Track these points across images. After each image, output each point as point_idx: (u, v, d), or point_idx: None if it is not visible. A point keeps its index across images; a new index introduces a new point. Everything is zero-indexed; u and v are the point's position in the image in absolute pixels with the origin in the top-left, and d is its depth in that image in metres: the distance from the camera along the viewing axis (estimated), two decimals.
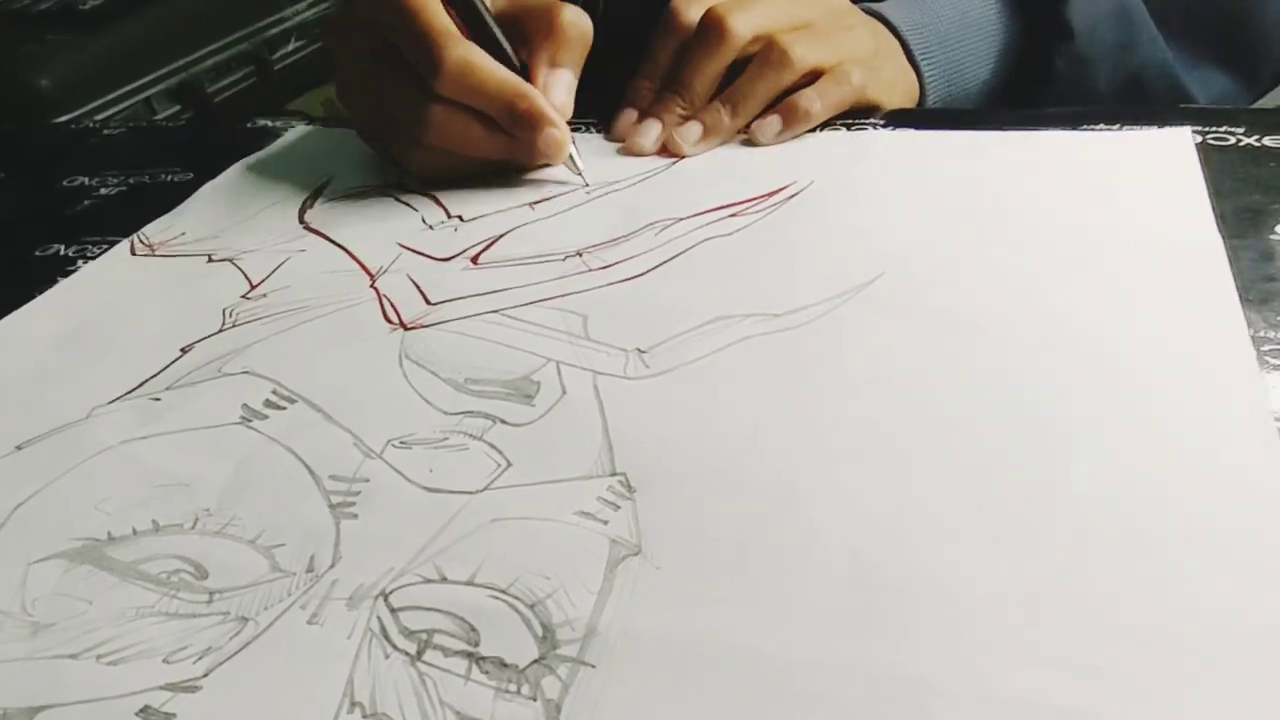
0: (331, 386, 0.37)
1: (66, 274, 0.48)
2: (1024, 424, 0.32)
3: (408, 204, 0.50)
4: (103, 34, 1.38)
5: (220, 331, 0.40)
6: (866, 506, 0.30)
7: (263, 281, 0.45)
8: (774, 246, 0.43)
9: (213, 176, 0.56)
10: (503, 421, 0.34)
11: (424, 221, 0.48)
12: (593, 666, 0.26)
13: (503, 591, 0.28)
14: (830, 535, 0.29)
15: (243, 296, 0.43)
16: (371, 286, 0.43)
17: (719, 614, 0.27)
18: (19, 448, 0.36)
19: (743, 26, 0.50)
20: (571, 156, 0.49)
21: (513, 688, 0.25)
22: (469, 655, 0.26)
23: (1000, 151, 0.48)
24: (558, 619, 0.27)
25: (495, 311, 0.40)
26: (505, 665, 0.26)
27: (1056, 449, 0.31)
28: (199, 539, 0.31)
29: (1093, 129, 0.48)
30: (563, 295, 0.41)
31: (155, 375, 0.39)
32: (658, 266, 0.43)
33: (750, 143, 0.51)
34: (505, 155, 0.49)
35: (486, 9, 0.50)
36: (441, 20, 0.47)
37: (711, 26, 0.50)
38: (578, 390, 0.35)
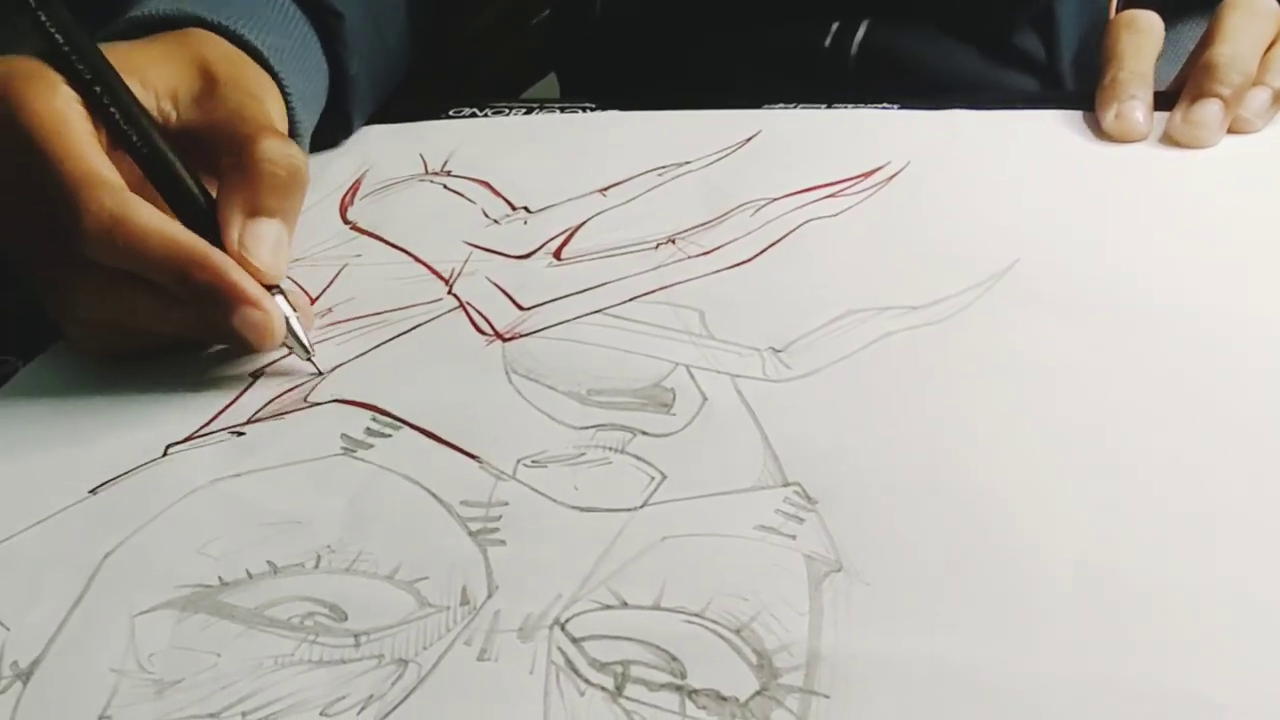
0: (437, 409, 0.36)
1: None
2: (1220, 412, 0.33)
3: (460, 194, 0.50)
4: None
5: (290, 354, 0.40)
6: (1080, 512, 0.30)
7: (322, 294, 0.44)
8: (886, 231, 0.43)
9: None
10: (643, 433, 0.34)
11: (486, 215, 0.48)
12: (826, 697, 0.26)
13: (698, 615, 0.28)
14: (1049, 544, 0.29)
15: None
16: (450, 293, 0.42)
17: (948, 633, 0.27)
18: (93, 492, 0.35)
19: None
20: (296, 337, 0.39)
21: None
22: (678, 688, 0.26)
23: (1097, 130, 0.49)
24: (771, 644, 0.27)
25: (598, 311, 0.40)
26: (723, 698, 0.26)
27: (1264, 437, 0.31)
28: (327, 578, 0.31)
29: None
30: (666, 286, 0.41)
31: (228, 407, 0.38)
32: (764, 251, 0.43)
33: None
34: (197, 334, 0.40)
35: (153, 125, 0.40)
36: (82, 156, 0.37)
37: None
38: (720, 396, 0.35)
